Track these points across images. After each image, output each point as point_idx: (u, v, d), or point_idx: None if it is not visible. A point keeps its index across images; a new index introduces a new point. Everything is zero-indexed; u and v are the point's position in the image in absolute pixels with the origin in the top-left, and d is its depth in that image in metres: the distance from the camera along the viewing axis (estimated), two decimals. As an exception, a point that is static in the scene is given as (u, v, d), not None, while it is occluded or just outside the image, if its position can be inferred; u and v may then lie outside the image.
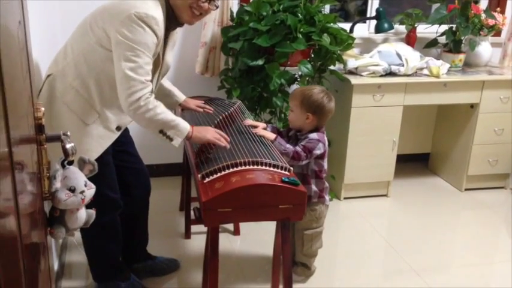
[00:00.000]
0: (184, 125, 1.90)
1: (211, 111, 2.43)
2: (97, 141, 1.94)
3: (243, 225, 2.87)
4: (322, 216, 2.36)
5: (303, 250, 2.38)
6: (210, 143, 1.97)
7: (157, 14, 1.82)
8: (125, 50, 1.77)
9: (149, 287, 2.36)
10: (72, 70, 1.90)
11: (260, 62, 2.77)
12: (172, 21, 1.96)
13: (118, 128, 2.01)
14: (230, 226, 2.89)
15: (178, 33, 2.17)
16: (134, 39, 1.76)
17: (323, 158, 2.28)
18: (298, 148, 2.17)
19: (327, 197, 2.35)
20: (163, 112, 1.85)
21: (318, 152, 2.20)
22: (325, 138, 2.26)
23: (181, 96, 2.42)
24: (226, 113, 2.34)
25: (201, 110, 2.43)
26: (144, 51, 1.79)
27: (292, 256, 2.40)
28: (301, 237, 2.36)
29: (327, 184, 2.35)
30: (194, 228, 2.81)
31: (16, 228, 0.63)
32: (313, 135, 2.22)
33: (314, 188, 2.29)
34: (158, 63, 1.97)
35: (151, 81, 1.88)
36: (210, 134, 1.96)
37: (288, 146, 2.17)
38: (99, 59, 1.87)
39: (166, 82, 2.36)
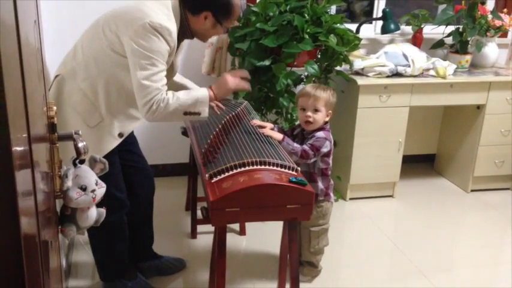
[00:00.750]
0: (202, 93, 1.94)
1: (223, 108, 2.43)
2: (98, 146, 1.95)
3: (248, 225, 2.88)
4: (328, 213, 2.37)
5: (310, 247, 2.39)
6: (236, 91, 2.03)
7: (171, 25, 1.87)
8: (140, 59, 1.81)
9: (155, 287, 2.36)
10: (81, 72, 1.91)
11: (267, 63, 2.78)
12: (185, 35, 2.02)
13: (120, 135, 2.02)
14: (236, 226, 2.89)
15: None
16: (149, 48, 1.81)
17: (329, 155, 2.29)
18: (305, 147, 2.18)
19: (332, 194, 2.37)
20: (177, 99, 1.88)
21: (325, 150, 2.22)
22: (331, 136, 2.28)
23: (195, 88, 2.43)
24: (233, 113, 2.34)
25: (214, 105, 2.43)
26: (159, 59, 1.84)
27: (298, 256, 2.41)
28: (308, 234, 2.37)
29: (332, 181, 2.36)
30: (200, 228, 2.82)
31: (36, 226, 0.64)
32: (320, 134, 2.24)
33: (321, 186, 2.30)
34: (171, 71, 2.01)
35: None
36: (231, 83, 2.01)
37: (295, 145, 2.18)
38: (110, 62, 1.89)
39: (177, 77, 2.37)
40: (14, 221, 0.50)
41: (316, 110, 2.24)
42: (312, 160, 2.22)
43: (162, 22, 1.82)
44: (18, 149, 0.52)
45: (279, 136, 2.15)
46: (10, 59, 0.54)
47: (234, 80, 2.02)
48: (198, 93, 1.93)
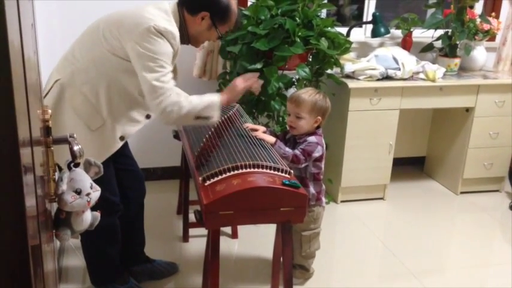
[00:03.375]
0: (213, 99, 1.97)
1: None
2: (99, 150, 1.95)
3: (240, 228, 2.88)
4: (319, 217, 2.37)
5: (302, 252, 2.39)
6: (246, 90, 2.06)
7: (174, 29, 1.90)
8: (148, 61, 1.83)
9: (148, 291, 2.35)
10: (81, 75, 1.91)
11: (258, 66, 2.78)
12: (182, 39, 2.03)
13: (121, 138, 2.02)
14: (228, 229, 2.89)
15: None
16: (155, 50, 1.83)
17: (321, 160, 2.29)
18: (297, 152, 2.18)
19: (324, 199, 2.38)
20: (190, 102, 1.91)
21: (316, 154, 2.22)
22: (323, 141, 2.28)
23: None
24: (226, 116, 2.34)
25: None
26: (166, 60, 1.86)
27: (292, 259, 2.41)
28: (299, 238, 2.37)
29: (323, 186, 2.36)
30: (192, 231, 2.81)
31: (37, 230, 0.63)
32: (312, 139, 2.23)
33: (312, 190, 2.30)
34: (174, 75, 2.01)
35: None
36: (239, 84, 2.05)
37: (287, 149, 2.17)
38: (111, 66, 1.90)
39: None
40: (22, 225, 0.49)
41: (297, 117, 2.23)
42: (304, 165, 2.22)
43: (166, 26, 1.85)
44: (24, 152, 0.52)
45: (271, 139, 2.16)
46: (17, 70, 0.53)
47: (243, 81, 2.06)
48: (210, 97, 1.96)
